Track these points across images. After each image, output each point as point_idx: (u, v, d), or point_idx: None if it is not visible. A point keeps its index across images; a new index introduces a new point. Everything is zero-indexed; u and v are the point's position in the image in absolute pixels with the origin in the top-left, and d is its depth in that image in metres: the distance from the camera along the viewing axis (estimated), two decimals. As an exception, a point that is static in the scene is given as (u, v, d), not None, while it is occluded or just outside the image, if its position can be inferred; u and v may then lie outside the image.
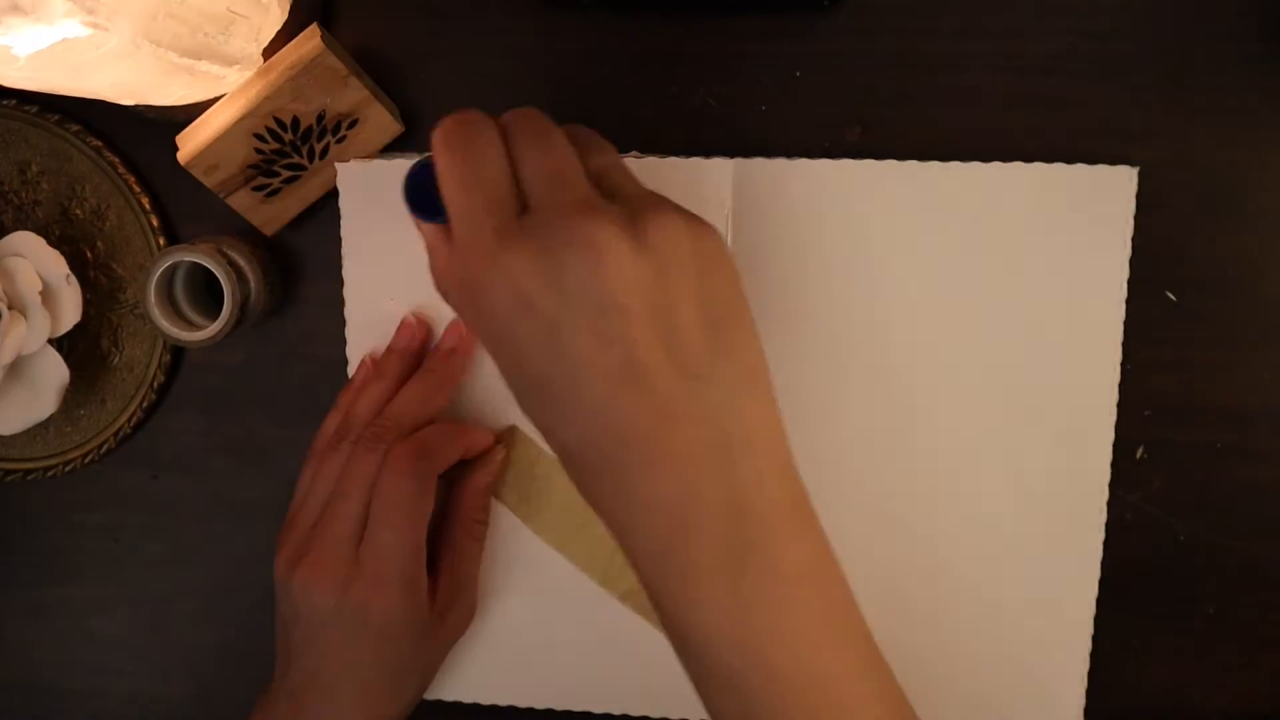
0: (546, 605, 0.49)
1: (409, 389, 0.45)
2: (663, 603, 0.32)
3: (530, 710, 0.50)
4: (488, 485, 0.47)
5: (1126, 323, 0.44)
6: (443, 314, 0.47)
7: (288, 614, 0.44)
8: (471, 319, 0.34)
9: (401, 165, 0.45)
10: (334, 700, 0.43)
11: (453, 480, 0.47)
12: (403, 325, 0.47)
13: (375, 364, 0.47)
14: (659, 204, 0.32)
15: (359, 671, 0.43)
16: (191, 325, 0.46)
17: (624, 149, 0.45)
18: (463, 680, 0.50)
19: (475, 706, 0.50)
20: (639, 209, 0.31)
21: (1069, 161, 0.44)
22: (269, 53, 0.44)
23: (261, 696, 0.45)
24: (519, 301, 0.30)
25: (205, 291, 0.48)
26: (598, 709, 0.49)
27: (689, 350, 0.31)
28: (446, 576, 0.46)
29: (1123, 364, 0.45)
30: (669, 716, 0.49)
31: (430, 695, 0.50)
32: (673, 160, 0.44)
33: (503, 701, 0.50)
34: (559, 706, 0.50)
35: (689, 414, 0.30)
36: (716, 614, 0.31)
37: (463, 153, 0.33)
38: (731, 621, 0.31)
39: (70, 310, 0.47)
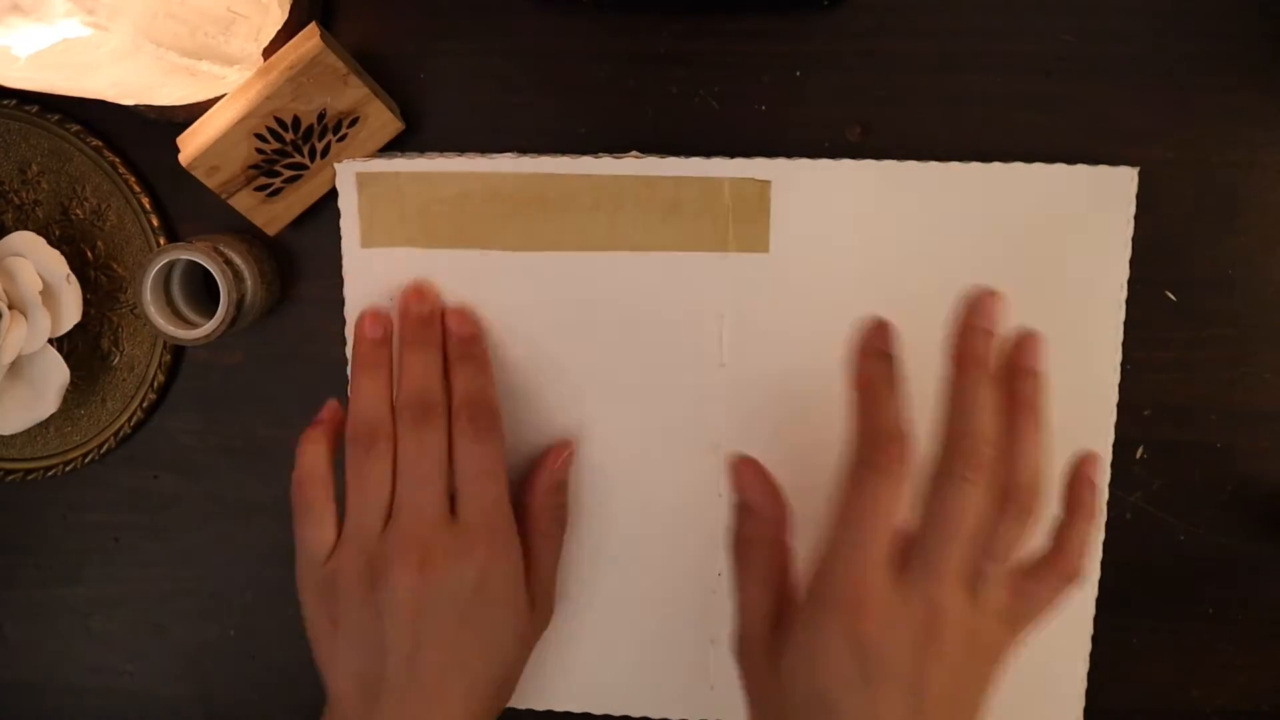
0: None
1: (458, 370, 0.43)
2: None
3: (530, 711, 0.50)
4: (558, 484, 0.46)
5: (1126, 323, 0.44)
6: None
7: (368, 619, 0.40)
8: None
9: (399, 163, 0.46)
10: (433, 700, 0.40)
11: (521, 484, 0.45)
12: (409, 291, 0.45)
13: (386, 331, 0.45)
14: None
15: (467, 659, 0.40)
16: (189, 324, 0.46)
17: (624, 149, 0.45)
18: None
19: (475, 706, 0.50)
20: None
21: (1069, 161, 0.44)
22: (269, 52, 0.44)
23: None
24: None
25: (203, 291, 0.48)
26: (598, 709, 0.49)
27: None
28: (529, 576, 0.43)
29: (1123, 364, 0.45)
30: (669, 716, 0.49)
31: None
32: (673, 161, 0.44)
33: (503, 702, 0.50)
34: (559, 707, 0.50)
35: None
36: None
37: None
38: None
39: (70, 310, 0.47)
